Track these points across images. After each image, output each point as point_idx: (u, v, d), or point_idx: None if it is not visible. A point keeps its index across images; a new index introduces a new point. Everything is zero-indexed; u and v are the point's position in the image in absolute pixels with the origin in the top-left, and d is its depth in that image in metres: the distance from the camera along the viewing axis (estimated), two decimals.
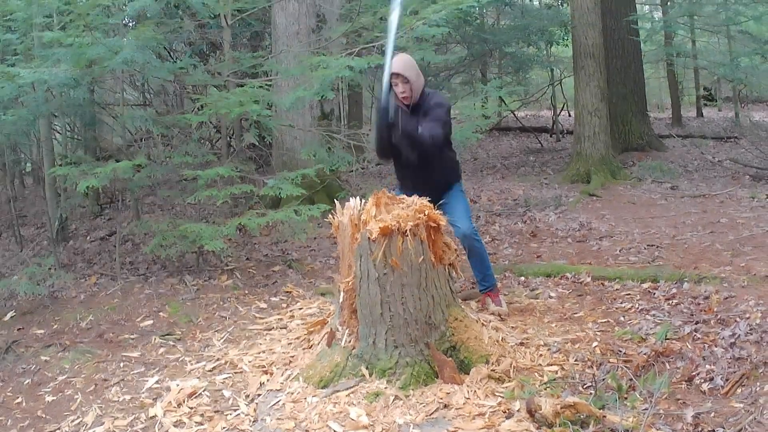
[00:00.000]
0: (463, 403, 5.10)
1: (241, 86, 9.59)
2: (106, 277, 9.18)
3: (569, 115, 24.71)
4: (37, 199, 14.68)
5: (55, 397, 6.18)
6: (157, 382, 6.17)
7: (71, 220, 12.02)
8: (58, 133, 13.03)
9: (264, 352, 6.46)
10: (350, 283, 5.61)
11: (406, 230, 5.32)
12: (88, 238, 11.65)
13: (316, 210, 8.60)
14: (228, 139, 10.72)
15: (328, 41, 11.22)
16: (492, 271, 7.20)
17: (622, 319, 6.67)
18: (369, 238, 5.33)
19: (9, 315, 8.21)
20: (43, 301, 8.39)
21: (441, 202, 6.85)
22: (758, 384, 4.99)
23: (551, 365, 5.73)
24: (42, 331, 7.70)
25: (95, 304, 8.28)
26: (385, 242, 5.32)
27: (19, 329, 7.82)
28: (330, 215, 5.98)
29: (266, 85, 9.98)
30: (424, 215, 5.46)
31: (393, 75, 6.55)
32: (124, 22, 11.02)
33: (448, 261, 5.72)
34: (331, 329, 5.87)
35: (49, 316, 8.08)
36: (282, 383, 5.74)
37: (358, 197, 5.84)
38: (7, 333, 7.72)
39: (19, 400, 6.20)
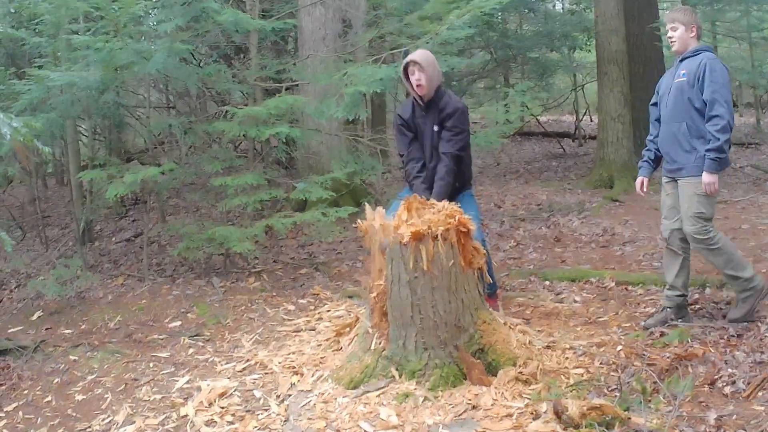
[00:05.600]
0: (491, 405, 5.15)
1: (270, 93, 9.65)
2: (133, 278, 9.26)
3: (591, 120, 24.65)
4: (61, 200, 14.77)
5: (84, 396, 6.25)
6: (187, 382, 6.24)
7: (96, 221, 12.09)
8: (84, 135, 13.10)
9: (293, 353, 6.52)
10: (381, 286, 5.67)
11: (437, 234, 5.38)
12: (114, 239, 11.74)
13: (344, 212, 8.66)
14: (253, 142, 10.77)
15: (354, 47, 11.26)
16: (494, 277, 7.25)
17: (643, 323, 6.70)
18: (401, 242, 5.40)
19: (36, 315, 8.30)
20: (70, 302, 8.48)
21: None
22: None
23: (577, 368, 5.77)
24: (70, 331, 7.79)
25: (123, 305, 8.36)
26: (416, 246, 5.39)
27: (46, 329, 7.91)
28: (358, 221, 6.02)
29: (293, 86, 10.05)
30: (455, 220, 5.52)
31: (410, 62, 6.65)
32: (152, 26, 11.09)
33: (477, 265, 5.77)
34: (368, 330, 5.93)
35: (76, 317, 8.17)
36: (312, 384, 5.81)
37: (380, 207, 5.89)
38: (35, 332, 7.81)
39: (48, 398, 6.28)
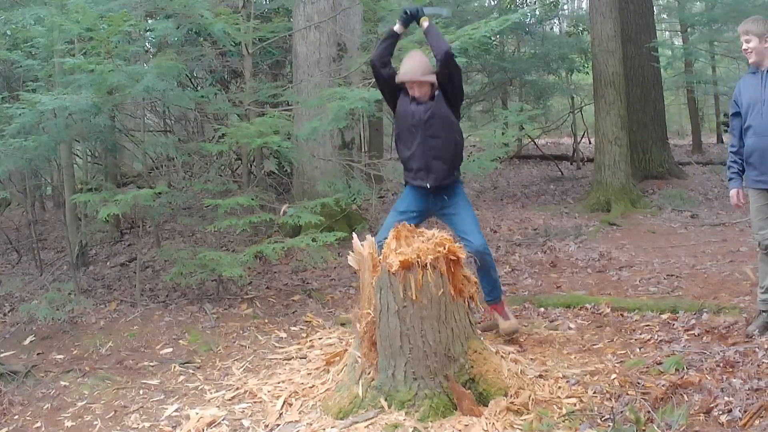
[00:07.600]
0: None
1: (262, 115, 9.64)
2: (126, 303, 9.21)
3: (589, 143, 24.63)
4: (57, 223, 14.74)
5: (74, 423, 6.19)
6: (176, 410, 6.18)
7: (91, 245, 12.05)
8: (79, 158, 13.07)
9: (283, 381, 6.46)
10: (370, 315, 5.62)
11: (426, 263, 5.34)
12: (108, 263, 11.69)
13: (332, 237, 8.63)
14: (249, 166, 10.76)
15: (348, 71, 11.25)
16: (499, 283, 7.20)
17: (638, 350, 6.66)
18: (389, 271, 5.35)
19: (29, 339, 8.24)
20: (62, 327, 8.41)
21: (448, 212, 6.89)
22: None
23: (570, 397, 5.72)
24: (61, 356, 7.73)
25: (115, 331, 8.31)
26: (405, 275, 5.34)
27: (38, 354, 7.85)
28: (349, 254, 5.98)
29: (287, 112, 10.03)
30: (444, 248, 5.48)
31: (411, 81, 6.67)
32: (145, 48, 11.07)
33: (468, 294, 5.72)
34: (357, 360, 5.88)
35: (68, 342, 8.11)
36: (301, 413, 5.76)
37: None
38: (26, 357, 7.75)
39: (38, 424, 6.21)
